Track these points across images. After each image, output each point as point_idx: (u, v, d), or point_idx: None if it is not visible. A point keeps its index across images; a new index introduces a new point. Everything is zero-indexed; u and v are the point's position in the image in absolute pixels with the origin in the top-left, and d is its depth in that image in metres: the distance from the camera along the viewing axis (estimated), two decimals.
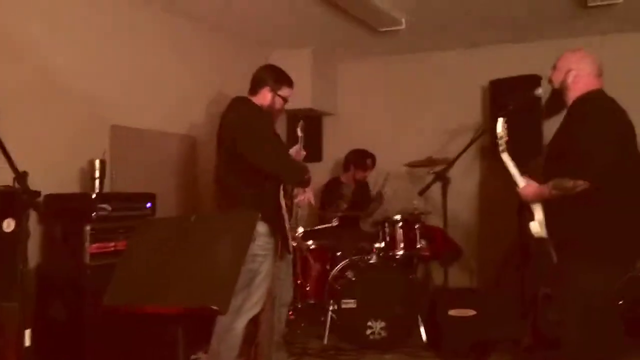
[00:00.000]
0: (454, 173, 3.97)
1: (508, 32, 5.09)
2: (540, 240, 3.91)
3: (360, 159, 5.25)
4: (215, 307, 2.00)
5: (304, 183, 3.20)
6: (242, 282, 2.99)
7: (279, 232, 3.07)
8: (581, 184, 2.63)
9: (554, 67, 2.95)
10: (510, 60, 5.22)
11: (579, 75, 2.81)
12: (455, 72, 5.61)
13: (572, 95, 2.85)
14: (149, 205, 3.66)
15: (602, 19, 4.62)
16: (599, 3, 4.14)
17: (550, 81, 2.98)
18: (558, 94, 2.97)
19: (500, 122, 3.05)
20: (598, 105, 2.76)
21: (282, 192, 3.05)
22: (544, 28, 4.94)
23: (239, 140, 3.00)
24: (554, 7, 4.44)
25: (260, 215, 2.61)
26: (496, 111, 4.60)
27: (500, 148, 3.03)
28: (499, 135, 3.03)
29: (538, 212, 2.92)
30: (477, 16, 4.67)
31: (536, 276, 4.33)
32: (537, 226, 2.93)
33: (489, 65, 5.34)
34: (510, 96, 3.59)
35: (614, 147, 2.66)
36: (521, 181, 2.98)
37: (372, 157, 5.27)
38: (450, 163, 3.52)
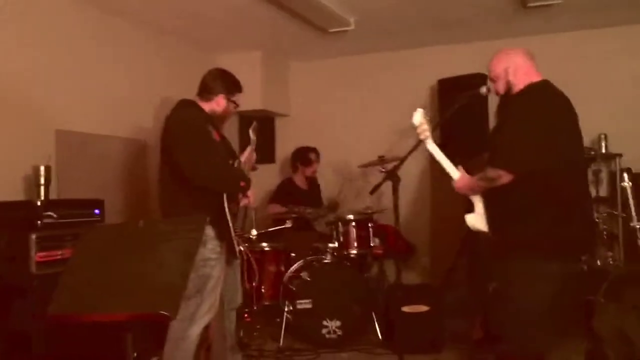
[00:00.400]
0: (405, 171, 4.01)
1: (455, 32, 5.20)
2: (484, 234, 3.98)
3: (304, 155, 5.29)
4: (164, 313, 1.98)
5: (241, 190, 3.17)
6: (195, 288, 2.96)
7: (224, 237, 3.05)
8: (503, 175, 2.60)
9: (492, 79, 2.93)
10: (457, 60, 5.33)
11: (517, 69, 2.80)
12: (404, 72, 5.70)
13: (517, 87, 2.81)
14: (97, 211, 3.59)
15: (541, 19, 4.77)
16: (538, 3, 4.27)
17: (497, 93, 2.95)
18: (505, 98, 2.91)
19: (419, 111, 3.00)
20: (530, 98, 2.73)
21: (225, 196, 3.02)
22: (488, 28, 5.06)
23: (174, 148, 2.97)
24: (496, 8, 4.56)
25: (208, 219, 2.59)
26: (445, 109, 4.70)
27: (422, 137, 2.99)
28: (417, 125, 2.98)
29: (478, 205, 2.89)
30: (424, 17, 4.76)
31: (485, 271, 4.43)
32: (472, 219, 2.89)
33: (437, 64, 5.44)
34: (458, 94, 3.63)
35: (539, 138, 2.60)
36: (455, 173, 2.95)
37: (315, 150, 5.30)
38: (400, 161, 3.53)
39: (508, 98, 2.85)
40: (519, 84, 2.80)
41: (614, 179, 4.67)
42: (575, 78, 4.94)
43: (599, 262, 4.17)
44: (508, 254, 2.72)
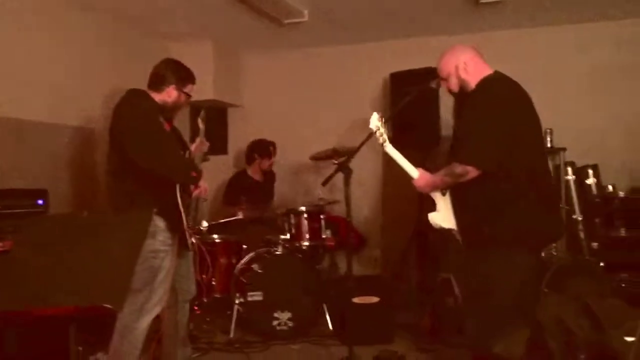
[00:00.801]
0: (356, 164, 4.04)
1: (407, 26, 5.24)
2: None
3: (264, 148, 5.25)
4: (108, 306, 1.93)
5: (192, 181, 3.13)
6: (144, 280, 2.92)
7: (176, 228, 3.00)
8: (470, 170, 2.60)
9: (444, 79, 2.92)
10: (409, 54, 5.38)
11: (467, 65, 2.80)
12: (357, 65, 5.73)
13: (472, 83, 2.81)
14: (40, 202, 3.48)
15: (493, 15, 4.86)
16: (489, 0, 4.35)
17: (450, 91, 2.94)
18: (460, 96, 2.93)
19: (374, 116, 3.00)
20: (491, 89, 2.73)
21: (178, 187, 2.98)
22: (440, 23, 5.13)
23: (125, 137, 2.90)
24: (449, 3, 4.62)
25: (156, 210, 2.54)
26: (396, 102, 4.75)
27: (380, 141, 3.00)
28: (374, 130, 3.00)
29: (440, 203, 2.90)
30: (377, 10, 4.78)
31: (435, 262, 4.51)
32: (436, 217, 2.90)
33: (390, 58, 5.48)
34: (409, 88, 3.67)
35: (503, 132, 2.61)
36: (414, 172, 2.96)
37: (273, 144, 5.28)
38: (352, 154, 3.55)
39: (464, 95, 2.84)
40: (472, 79, 2.80)
41: (558, 173, 4.81)
42: (523, 74, 5.06)
43: (542, 253, 4.29)
44: (481, 248, 2.71)
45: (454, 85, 2.88)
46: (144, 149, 2.88)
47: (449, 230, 2.92)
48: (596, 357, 1.62)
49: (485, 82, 2.76)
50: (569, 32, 5.18)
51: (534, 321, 2.24)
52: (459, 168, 2.65)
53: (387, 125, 3.13)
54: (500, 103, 2.68)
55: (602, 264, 4.29)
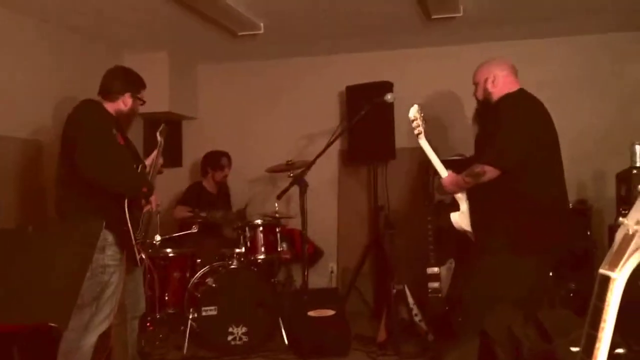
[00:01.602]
0: (313, 175, 4.05)
1: (363, 40, 5.31)
2: (393, 239, 4.05)
3: (215, 160, 5.19)
4: (53, 324, 1.87)
5: (143, 196, 3.08)
6: (91, 295, 2.84)
7: (125, 243, 2.94)
8: (489, 170, 2.77)
9: (474, 84, 3.14)
10: (365, 67, 5.45)
11: (495, 79, 3.03)
12: (313, 78, 5.75)
13: (495, 97, 3.04)
14: None
15: (446, 30, 4.96)
16: (440, 16, 4.45)
17: (476, 97, 3.16)
18: (483, 105, 3.14)
19: (415, 107, 3.13)
20: (513, 103, 2.94)
21: (126, 202, 2.91)
22: (396, 38, 5.20)
23: (76, 150, 2.83)
24: (403, 18, 4.69)
25: (104, 223, 2.48)
26: (352, 116, 4.78)
27: (416, 132, 3.10)
28: (411, 120, 3.10)
29: (462, 204, 3.04)
30: (333, 24, 4.82)
31: (390, 274, 4.54)
32: (457, 217, 3.03)
33: (346, 71, 5.53)
34: (365, 101, 3.71)
35: (523, 138, 2.81)
36: (443, 171, 3.07)
37: (227, 155, 5.23)
38: (307, 166, 3.58)
39: (488, 106, 3.06)
40: (496, 93, 3.03)
41: None
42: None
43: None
44: (491, 251, 2.84)
45: (479, 94, 3.12)
46: (94, 162, 2.81)
47: (467, 232, 3.05)
48: None
49: (508, 96, 2.99)
50: (518, 47, 5.32)
51: (483, 332, 2.31)
52: (478, 167, 2.83)
53: (340, 133, 3.19)
54: (522, 114, 2.90)
55: (551, 274, 4.39)
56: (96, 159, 2.81)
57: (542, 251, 2.83)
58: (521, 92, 3.03)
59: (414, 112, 3.14)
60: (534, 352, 1.79)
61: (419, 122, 3.12)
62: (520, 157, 2.81)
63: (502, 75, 3.06)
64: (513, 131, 2.82)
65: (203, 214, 4.62)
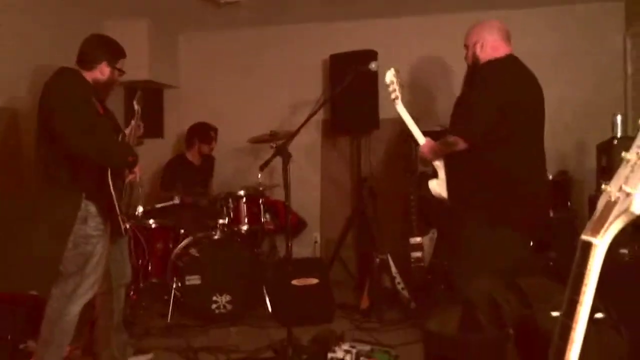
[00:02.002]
0: (296, 146, 4.03)
1: (347, 8, 5.24)
2: (376, 209, 4.05)
3: (205, 132, 5.14)
4: (34, 293, 1.86)
5: (129, 165, 3.04)
6: (75, 266, 2.81)
7: (108, 214, 2.91)
8: (459, 141, 2.76)
9: (465, 47, 3.08)
10: (349, 36, 5.40)
11: (484, 44, 2.97)
12: (297, 46, 5.70)
13: (482, 63, 2.98)
14: None
15: None
16: None
17: (466, 59, 3.10)
18: (471, 68, 3.08)
19: (391, 71, 3.11)
20: (492, 70, 2.88)
21: (109, 171, 2.88)
22: (381, 5, 5.15)
23: (55, 121, 2.78)
24: None
25: (84, 195, 2.44)
26: (335, 85, 4.75)
27: (392, 97, 3.09)
28: (388, 84, 3.09)
29: (441, 171, 3.03)
30: None
31: (372, 243, 4.58)
32: (435, 185, 3.02)
33: (330, 40, 5.48)
34: (349, 70, 3.68)
35: (493, 110, 2.75)
36: (421, 138, 3.06)
37: (215, 129, 5.19)
38: (290, 137, 3.54)
39: (474, 70, 3.01)
40: (484, 58, 2.97)
41: None
42: (457, 58, 5.19)
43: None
44: (467, 220, 2.86)
45: (469, 57, 3.06)
46: (75, 133, 2.74)
47: (445, 199, 3.04)
48: (522, 330, 1.70)
49: (491, 63, 2.92)
50: (498, 18, 5.24)
51: (466, 299, 2.35)
52: (451, 138, 2.83)
53: (322, 103, 3.16)
54: (498, 85, 2.82)
55: (531, 244, 4.46)
56: (78, 130, 2.74)
57: (521, 224, 2.85)
58: (508, 58, 2.96)
59: (390, 76, 3.13)
60: (514, 317, 1.83)
61: (396, 86, 3.11)
62: (489, 129, 2.76)
63: (491, 40, 2.99)
64: (486, 101, 2.78)
65: (184, 199, 4.58)
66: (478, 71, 2.95)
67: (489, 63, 2.93)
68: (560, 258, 4.55)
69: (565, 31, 5.19)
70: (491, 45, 2.97)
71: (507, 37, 3.05)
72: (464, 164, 2.88)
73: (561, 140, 5.11)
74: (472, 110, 2.81)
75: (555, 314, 1.49)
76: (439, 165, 3.06)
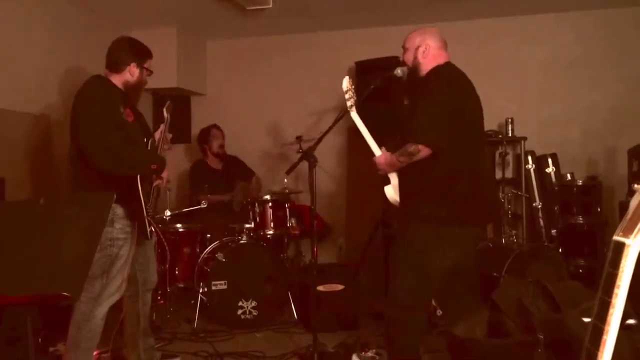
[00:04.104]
0: (322, 151, 4.03)
1: (373, 15, 5.25)
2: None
3: (204, 134, 5.22)
4: (66, 294, 1.89)
5: (153, 173, 3.08)
6: (101, 268, 2.86)
7: (135, 216, 2.95)
8: (422, 149, 2.70)
9: (404, 48, 3.05)
10: (375, 42, 5.40)
11: (427, 50, 2.93)
12: (322, 53, 5.71)
13: (424, 68, 2.95)
14: None
15: (456, 4, 4.90)
16: None
17: (403, 62, 3.06)
18: (413, 73, 3.04)
19: (346, 79, 3.09)
20: (443, 76, 2.86)
21: (138, 175, 2.92)
22: (405, 12, 5.14)
23: (79, 135, 2.82)
24: None
25: (115, 197, 2.47)
26: (361, 90, 4.75)
27: (348, 104, 3.07)
28: (345, 91, 3.07)
29: (393, 177, 2.99)
30: None
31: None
32: (391, 190, 2.98)
33: (356, 47, 5.48)
34: (374, 76, 3.67)
35: (451, 116, 2.72)
36: (377, 150, 3.04)
37: (215, 126, 5.21)
38: (316, 142, 3.55)
39: (417, 79, 2.98)
40: (425, 65, 2.94)
41: (519, 162, 4.90)
42: (486, 63, 5.16)
43: (503, 241, 4.38)
44: (412, 223, 2.84)
45: (409, 60, 3.01)
46: (97, 151, 2.78)
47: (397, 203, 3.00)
48: (553, 336, 1.67)
49: (436, 70, 2.91)
50: (530, 22, 5.27)
51: (491, 304, 2.32)
52: (412, 147, 2.74)
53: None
54: (450, 91, 2.81)
55: (560, 250, 4.39)
56: (100, 147, 2.78)
57: (465, 222, 2.82)
58: (451, 65, 2.96)
59: (346, 83, 3.10)
60: (543, 323, 1.80)
61: (351, 93, 3.08)
62: (451, 134, 2.73)
63: (434, 47, 2.96)
64: (443, 107, 2.74)
65: (221, 196, 4.65)
66: (428, 78, 2.92)
67: (439, 69, 2.91)
68: (590, 265, 4.47)
69: (596, 37, 5.12)
70: (433, 53, 2.94)
71: (446, 47, 3.03)
72: (414, 168, 2.84)
73: (591, 145, 5.04)
74: (432, 117, 2.74)
75: (586, 319, 1.46)
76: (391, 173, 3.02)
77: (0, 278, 1.99)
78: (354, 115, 3.08)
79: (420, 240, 2.79)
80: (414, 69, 2.99)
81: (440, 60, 2.94)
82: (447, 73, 2.88)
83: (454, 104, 2.75)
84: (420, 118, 2.76)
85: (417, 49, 2.95)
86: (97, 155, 2.79)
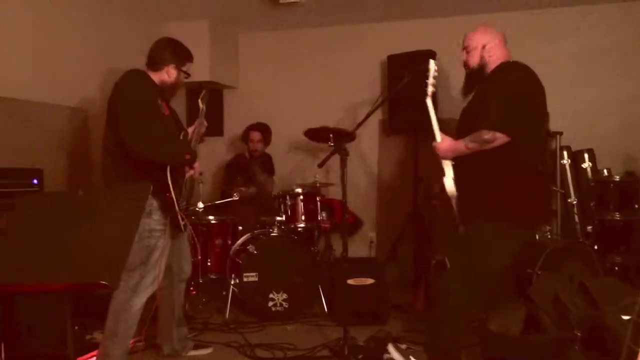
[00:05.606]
0: (353, 145, 4.03)
1: (405, 8, 5.21)
2: (433, 210, 3.99)
3: (244, 133, 5.31)
4: (104, 282, 1.92)
5: (186, 163, 3.11)
6: (139, 259, 2.92)
7: (168, 209, 2.99)
8: (499, 137, 2.67)
9: (466, 50, 3.01)
10: (407, 36, 5.36)
11: (493, 48, 2.92)
12: (355, 47, 5.69)
13: (492, 66, 2.92)
14: (35, 181, 3.46)
15: None
16: None
17: (466, 65, 3.02)
18: (475, 73, 3.01)
19: (432, 63, 3.02)
20: (512, 72, 2.84)
21: (169, 168, 2.95)
22: (438, 6, 5.10)
23: (120, 120, 2.86)
24: None
25: (152, 188, 2.52)
26: (394, 85, 4.72)
27: (430, 90, 3.02)
28: (433, 75, 3.01)
29: (448, 169, 2.95)
30: None
31: (429, 244, 4.53)
32: (450, 182, 2.92)
33: (388, 40, 5.46)
34: (407, 70, 3.64)
35: (529, 107, 2.73)
36: (438, 135, 2.99)
37: (258, 128, 5.25)
38: (349, 135, 3.55)
39: (481, 74, 2.95)
40: (492, 62, 2.92)
41: (554, 157, 4.82)
42: (520, 57, 5.06)
43: (537, 237, 4.31)
44: (475, 218, 2.79)
45: (474, 60, 2.97)
46: (137, 139, 2.83)
47: (454, 198, 2.93)
48: (590, 333, 1.64)
49: (506, 65, 2.89)
50: (563, 14, 5.17)
51: (527, 300, 2.29)
52: (488, 134, 2.70)
53: (381, 102, 3.12)
54: (523, 84, 2.78)
55: (595, 247, 4.31)
56: (138, 130, 2.83)
57: (526, 223, 2.79)
58: (517, 61, 2.93)
59: (434, 67, 3.01)
60: (581, 319, 1.76)
61: (433, 80, 3.02)
62: (525, 126, 2.72)
63: (497, 44, 2.95)
64: (521, 99, 2.72)
65: (245, 189, 4.71)
66: (497, 73, 2.89)
67: (506, 65, 2.89)
68: (625, 262, 4.38)
69: (628, 27, 5.00)
70: (498, 49, 2.93)
71: (506, 41, 3.01)
72: (485, 161, 2.79)
73: (629, 140, 4.93)
74: (507, 106, 2.71)
75: (626, 317, 1.43)
76: (447, 163, 2.97)
77: (40, 266, 2.04)
78: (429, 102, 3.03)
79: (485, 240, 2.74)
80: (481, 68, 2.96)
81: (506, 56, 2.93)
82: (517, 67, 2.86)
83: (528, 97, 2.74)
84: (497, 107, 2.71)
85: (482, 48, 2.93)
86: (137, 141, 2.83)
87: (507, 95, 2.72)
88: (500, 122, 2.69)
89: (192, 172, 3.22)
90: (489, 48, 2.92)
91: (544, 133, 2.93)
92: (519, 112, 2.69)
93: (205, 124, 3.39)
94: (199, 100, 3.37)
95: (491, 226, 2.72)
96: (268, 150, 5.40)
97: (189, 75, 3.24)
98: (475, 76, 2.99)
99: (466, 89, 3.08)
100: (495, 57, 2.92)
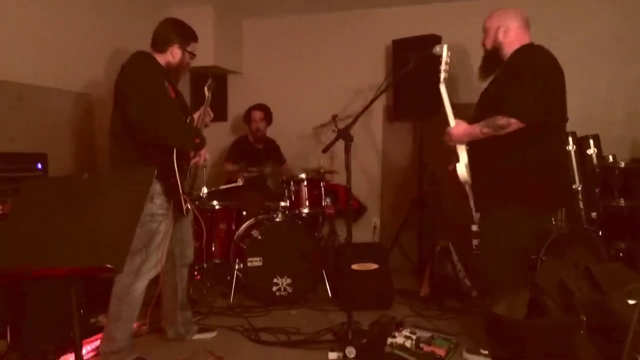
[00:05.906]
0: (357, 131, 4.00)
1: None
2: (438, 196, 3.98)
3: (246, 114, 5.32)
4: (109, 266, 1.93)
5: (196, 147, 3.11)
6: (141, 243, 2.93)
7: (172, 193, 2.98)
8: (514, 123, 2.67)
9: (484, 30, 3.01)
10: (412, 21, 5.32)
11: (508, 30, 2.91)
12: (359, 32, 5.66)
13: (508, 49, 2.92)
14: (39, 166, 3.46)
15: None
16: None
17: (483, 45, 3.03)
18: (492, 55, 3.02)
19: (445, 47, 3.02)
20: (532, 54, 2.83)
21: (175, 153, 2.95)
22: None
23: (128, 101, 2.84)
24: None
25: (156, 172, 2.52)
26: (398, 70, 4.69)
27: (443, 75, 3.02)
28: (447, 61, 3.01)
29: (462, 155, 2.96)
30: None
31: (434, 230, 4.52)
32: (464, 168, 2.95)
33: (392, 25, 5.42)
34: (412, 55, 3.61)
35: (546, 92, 2.72)
36: (452, 120, 2.99)
37: (259, 108, 5.26)
38: (353, 121, 3.52)
39: (497, 57, 2.96)
40: (507, 45, 2.92)
41: None
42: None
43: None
44: (492, 205, 2.82)
45: (489, 42, 3.00)
46: (146, 120, 2.81)
47: (467, 184, 2.99)
48: (596, 317, 1.64)
49: (524, 48, 2.88)
50: (571, 1, 5.11)
51: (532, 285, 2.30)
52: (502, 120, 2.71)
53: (386, 87, 3.14)
54: (540, 66, 2.77)
55: (600, 233, 4.30)
56: (148, 112, 2.81)
57: (544, 211, 2.85)
58: (537, 45, 2.90)
59: (446, 52, 3.01)
60: (586, 304, 1.77)
61: (446, 66, 3.02)
62: (544, 110, 2.71)
63: (515, 27, 2.93)
64: (536, 83, 2.70)
65: (253, 169, 4.70)
66: (514, 57, 2.87)
67: (526, 48, 2.87)
68: (630, 248, 4.37)
69: (637, 14, 4.93)
70: (515, 33, 2.91)
71: (528, 27, 2.98)
72: (495, 148, 2.80)
73: (636, 126, 4.89)
74: (524, 91, 2.69)
75: (632, 302, 1.44)
76: (461, 147, 2.98)
77: (45, 251, 2.04)
78: (443, 88, 3.03)
79: (505, 225, 2.78)
80: (496, 50, 2.96)
81: (525, 40, 2.91)
82: (537, 51, 2.84)
83: (547, 82, 2.72)
84: (514, 92, 2.71)
85: (497, 29, 2.93)
86: (147, 123, 2.81)
87: (525, 80, 2.70)
88: (515, 107, 2.69)
89: (198, 158, 3.21)
90: (504, 30, 2.92)
91: (563, 116, 2.91)
92: (537, 96, 2.68)
93: (212, 114, 3.37)
94: (205, 88, 3.36)
95: (508, 212, 2.75)
96: (272, 135, 5.39)
97: (194, 55, 3.22)
98: (492, 58, 3.00)
99: (483, 70, 3.08)
100: (511, 39, 2.91)
